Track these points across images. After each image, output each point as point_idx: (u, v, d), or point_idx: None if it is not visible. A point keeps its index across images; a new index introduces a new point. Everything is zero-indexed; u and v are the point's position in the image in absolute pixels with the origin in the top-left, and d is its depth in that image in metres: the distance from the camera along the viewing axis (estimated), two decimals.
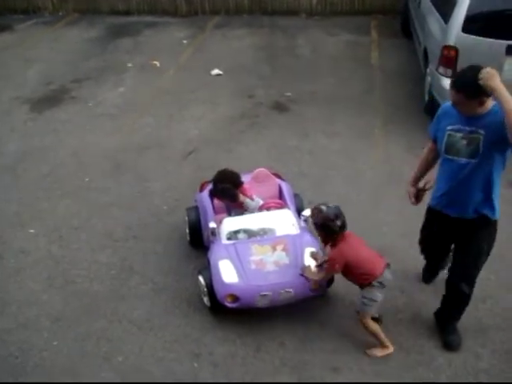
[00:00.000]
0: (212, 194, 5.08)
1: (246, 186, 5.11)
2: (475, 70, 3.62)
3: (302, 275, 4.37)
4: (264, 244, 4.59)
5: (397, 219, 5.69)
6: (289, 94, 8.24)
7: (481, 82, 3.56)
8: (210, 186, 5.17)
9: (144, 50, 10.02)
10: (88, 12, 11.81)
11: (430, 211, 4.34)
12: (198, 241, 5.18)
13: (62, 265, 5.30)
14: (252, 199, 5.07)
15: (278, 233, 4.70)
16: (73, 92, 8.61)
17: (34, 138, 7.39)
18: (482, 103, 3.70)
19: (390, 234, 5.50)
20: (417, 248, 5.22)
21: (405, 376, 4.16)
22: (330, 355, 4.34)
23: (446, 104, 3.99)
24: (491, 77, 3.55)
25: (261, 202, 5.07)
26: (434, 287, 4.88)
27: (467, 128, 3.80)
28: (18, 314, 4.78)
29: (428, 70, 7.40)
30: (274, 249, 4.56)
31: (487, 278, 4.96)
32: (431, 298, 4.78)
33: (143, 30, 10.96)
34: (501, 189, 6.17)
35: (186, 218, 5.31)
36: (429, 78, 7.33)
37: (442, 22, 7.03)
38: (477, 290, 4.82)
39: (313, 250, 4.52)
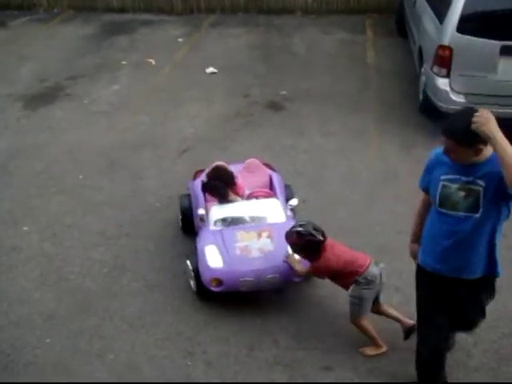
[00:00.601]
0: (203, 188, 5.14)
1: (239, 182, 5.19)
2: (468, 113, 3.15)
3: (285, 262, 4.49)
4: (250, 231, 4.73)
5: (391, 218, 5.70)
6: (284, 92, 8.24)
7: (474, 127, 3.07)
8: (202, 175, 5.31)
9: (139, 48, 9.99)
10: (83, 9, 11.74)
11: (422, 272, 3.73)
12: (190, 227, 5.25)
13: (54, 262, 5.28)
14: (242, 197, 5.12)
15: (265, 221, 4.85)
16: (67, 89, 8.58)
17: (28, 136, 7.36)
18: (478, 152, 3.21)
19: (384, 232, 5.50)
20: None
21: (397, 374, 4.17)
22: (323, 353, 4.34)
23: (438, 151, 3.49)
24: (486, 122, 3.06)
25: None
26: None
27: (464, 178, 3.29)
28: (10, 312, 4.76)
29: (423, 70, 7.41)
30: (260, 236, 4.69)
31: None
32: None
33: (138, 27, 10.93)
34: None
35: (179, 205, 5.43)
36: (423, 78, 7.34)
37: (437, 22, 7.04)
38: None
39: None
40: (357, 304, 4.23)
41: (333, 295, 4.79)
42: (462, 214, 3.32)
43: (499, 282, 4.89)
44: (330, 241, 4.29)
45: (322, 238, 4.20)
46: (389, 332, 4.45)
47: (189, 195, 5.44)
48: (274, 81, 8.60)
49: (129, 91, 8.48)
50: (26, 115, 7.90)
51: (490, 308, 4.65)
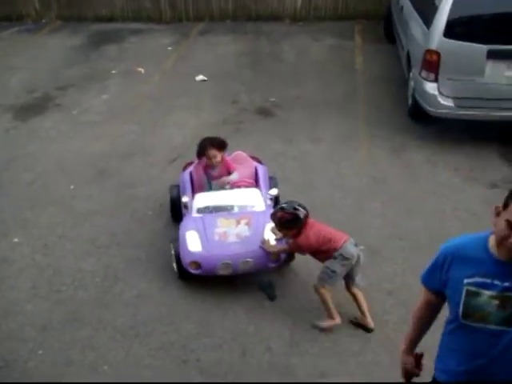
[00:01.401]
0: (198, 154, 5.42)
1: (232, 164, 5.55)
2: None
3: (261, 247, 4.77)
4: (229, 218, 5.03)
5: (382, 222, 5.73)
6: (273, 99, 8.26)
7: None
8: (191, 167, 5.64)
9: (128, 57, 9.99)
10: (72, 19, 11.73)
11: None
12: (179, 216, 5.42)
13: (46, 273, 5.26)
14: (229, 175, 5.47)
15: (245, 209, 5.14)
16: (57, 100, 8.57)
17: (17, 147, 7.33)
18: None
19: (376, 236, 5.52)
20: (405, 250, 5.28)
21: (391, 378, 4.16)
22: (316, 359, 4.35)
23: (457, 242, 2.69)
24: None
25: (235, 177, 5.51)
26: (421, 290, 4.89)
27: (502, 283, 2.50)
28: (2, 324, 4.74)
29: (411, 75, 7.45)
30: (238, 223, 4.98)
31: None
32: (418, 299, 4.80)
33: (128, 36, 10.93)
34: (482, 190, 6.29)
35: (169, 195, 5.71)
36: (412, 83, 7.38)
37: (424, 27, 7.09)
38: None
39: (273, 225, 4.76)
40: (327, 274, 4.46)
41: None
42: (495, 327, 2.56)
43: None
44: (311, 220, 4.56)
45: (305, 213, 4.49)
46: (381, 335, 4.46)
47: (178, 186, 5.70)
48: (263, 88, 8.63)
49: (118, 100, 8.47)
50: (15, 126, 7.88)
51: None
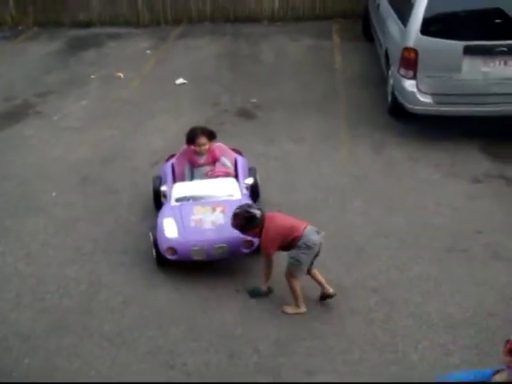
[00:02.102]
0: (188, 141, 5.73)
1: (218, 153, 5.85)
2: None
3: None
4: (205, 206, 5.27)
5: (365, 220, 5.76)
6: (254, 100, 8.27)
7: None
8: (173, 159, 5.91)
9: (107, 62, 9.93)
10: (49, 25, 11.62)
11: None
12: (161, 205, 5.54)
13: (29, 282, 5.21)
14: (213, 163, 5.78)
15: (221, 198, 5.36)
16: (36, 107, 8.49)
17: None
18: None
19: (359, 235, 5.55)
20: (389, 247, 5.32)
21: (379, 375, 4.19)
22: (304, 358, 4.35)
23: (460, 378, 2.47)
24: None
25: (229, 164, 5.83)
26: (408, 285, 4.94)
27: None
28: None
29: (390, 72, 7.50)
30: (214, 210, 5.21)
31: (455, 274, 5.05)
32: (403, 296, 4.84)
33: (106, 41, 10.87)
34: (464, 184, 6.35)
35: (152, 186, 5.89)
36: (391, 80, 7.43)
37: (401, 25, 7.14)
38: (446, 287, 4.92)
39: None
40: (295, 265, 4.61)
41: (312, 300, 4.82)
42: None
43: (477, 279, 5.00)
44: (270, 213, 4.80)
45: (258, 212, 4.67)
46: (368, 332, 4.49)
47: (160, 177, 5.92)
48: (243, 89, 8.63)
49: (98, 105, 8.42)
50: None
51: (466, 303, 4.75)
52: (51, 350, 4.52)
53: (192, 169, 5.78)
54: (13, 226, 5.94)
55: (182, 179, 5.73)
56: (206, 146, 5.70)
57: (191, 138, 5.73)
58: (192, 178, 5.73)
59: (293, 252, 4.60)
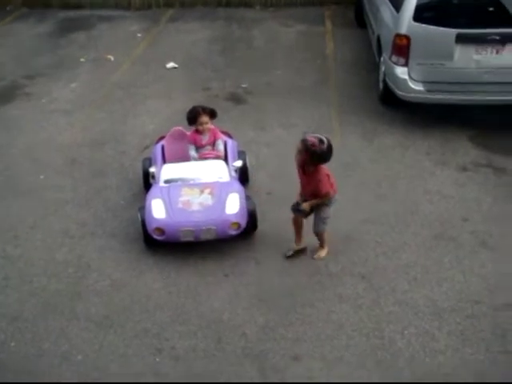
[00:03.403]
0: (190, 121, 5.76)
1: (220, 134, 5.89)
2: None
3: (298, 209, 5.01)
4: (193, 187, 5.31)
5: (356, 206, 5.76)
6: (245, 85, 8.23)
7: None
8: (163, 141, 5.95)
9: (97, 45, 9.83)
10: (38, 6, 11.48)
11: None
12: (150, 187, 5.56)
13: (17, 265, 5.19)
14: (212, 144, 5.82)
15: (209, 180, 5.39)
16: (25, 88, 8.40)
17: None
18: None
19: (350, 221, 5.55)
20: (377, 234, 5.33)
21: (365, 361, 4.22)
22: (291, 343, 4.37)
23: None
24: None
25: (221, 147, 5.82)
26: (396, 272, 4.97)
27: None
28: None
29: (382, 59, 7.48)
30: (202, 192, 5.25)
31: (442, 262, 5.08)
32: (391, 283, 4.87)
33: (96, 23, 10.75)
34: (453, 172, 6.38)
35: (141, 167, 5.93)
36: (383, 67, 7.41)
37: (394, 11, 7.12)
38: (433, 274, 4.96)
39: (236, 195, 5.20)
40: (326, 223, 5.02)
41: (300, 285, 4.84)
42: None
43: (464, 267, 5.04)
44: None
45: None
46: (355, 318, 4.52)
47: (150, 158, 5.95)
48: (235, 74, 8.58)
49: (88, 88, 8.35)
50: None
51: (452, 291, 4.79)
52: (38, 332, 4.51)
53: (197, 149, 5.77)
54: (1, 209, 5.90)
55: (174, 160, 5.71)
56: (209, 125, 5.74)
57: (193, 117, 5.73)
58: (196, 158, 5.73)
59: (324, 211, 4.95)
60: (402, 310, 4.61)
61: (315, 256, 5.13)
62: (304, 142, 4.74)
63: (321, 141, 4.70)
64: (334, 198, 4.97)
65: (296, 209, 5.03)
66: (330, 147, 4.73)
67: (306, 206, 4.96)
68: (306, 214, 5.06)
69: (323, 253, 5.15)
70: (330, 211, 5.00)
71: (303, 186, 5.02)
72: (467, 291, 4.76)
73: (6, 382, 4.20)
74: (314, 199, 4.93)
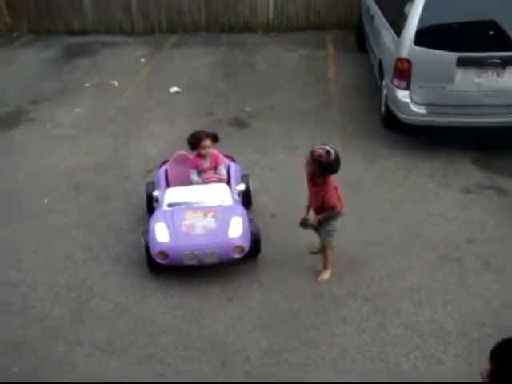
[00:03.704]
0: (193, 145, 5.77)
1: (221, 158, 5.92)
2: None
3: (306, 224, 5.05)
4: (197, 211, 5.32)
5: (358, 228, 5.76)
6: (247, 109, 8.28)
7: None
8: (166, 165, 5.98)
9: (101, 70, 9.95)
10: (43, 32, 11.65)
11: None
12: (153, 211, 5.57)
13: (20, 289, 5.18)
14: (214, 169, 5.85)
15: (213, 203, 5.41)
16: (29, 114, 8.49)
17: None
18: None
19: (352, 243, 5.55)
20: (381, 256, 5.32)
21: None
22: (295, 367, 4.33)
23: None
24: None
25: (224, 172, 5.86)
26: (400, 294, 4.94)
27: None
28: None
29: (383, 83, 7.53)
30: (206, 215, 5.26)
31: (447, 284, 5.06)
32: (395, 305, 4.84)
33: (100, 49, 10.89)
34: (456, 194, 6.37)
35: (145, 191, 5.96)
36: (384, 91, 7.46)
37: (395, 36, 7.18)
38: (438, 296, 4.93)
39: (239, 218, 5.22)
40: (332, 236, 5.05)
41: (304, 308, 4.82)
42: None
43: (469, 289, 5.00)
44: None
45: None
46: (359, 342, 4.49)
47: (154, 182, 5.98)
48: (238, 99, 8.65)
49: (92, 113, 8.42)
50: None
51: (458, 313, 4.76)
52: (41, 358, 4.48)
53: (199, 173, 5.81)
54: (4, 233, 5.92)
55: (177, 184, 5.74)
56: (211, 149, 5.77)
57: (196, 141, 5.75)
58: (199, 182, 5.76)
59: (330, 225, 4.98)
60: (407, 333, 4.57)
61: (319, 279, 5.12)
62: (312, 153, 4.80)
63: (328, 152, 4.74)
64: (341, 212, 5.01)
65: (304, 224, 5.05)
66: (337, 158, 4.77)
67: (313, 219, 5.03)
68: (316, 228, 5.11)
69: (326, 275, 5.15)
70: (337, 224, 5.03)
71: (312, 197, 5.07)
72: (472, 313, 4.73)
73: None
74: (321, 211, 4.97)
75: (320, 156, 4.74)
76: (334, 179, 4.94)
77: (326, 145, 4.84)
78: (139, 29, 11.63)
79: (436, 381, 4.19)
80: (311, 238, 5.36)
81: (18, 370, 4.39)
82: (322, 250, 5.18)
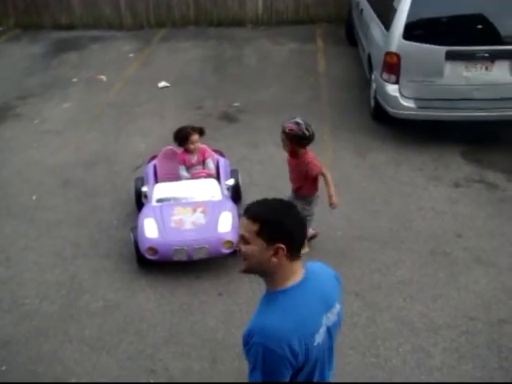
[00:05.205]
0: (181, 141, 5.74)
1: (209, 151, 5.93)
2: None
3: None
4: (186, 206, 5.30)
5: (349, 223, 5.76)
6: (237, 104, 8.25)
7: None
8: (155, 160, 5.97)
9: (90, 65, 9.87)
10: (30, 27, 11.55)
11: None
12: (142, 206, 5.57)
13: (9, 286, 5.15)
14: (202, 163, 5.84)
15: (202, 198, 5.40)
16: (17, 109, 8.41)
17: None
18: None
19: (342, 238, 5.56)
20: (372, 251, 5.32)
21: (361, 378, 4.19)
22: None
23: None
24: None
25: (211, 166, 5.85)
26: (390, 289, 4.95)
27: None
28: None
29: (373, 77, 7.52)
30: (195, 211, 5.24)
31: (437, 278, 5.07)
32: (385, 300, 4.85)
33: (88, 44, 10.81)
34: (446, 188, 6.38)
35: (134, 187, 5.91)
36: (374, 85, 7.45)
37: (384, 30, 7.17)
38: (428, 290, 4.94)
39: (229, 213, 5.20)
40: (310, 221, 5.09)
41: None
42: None
43: (459, 283, 5.02)
44: None
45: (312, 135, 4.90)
46: (350, 336, 4.49)
47: (142, 178, 5.93)
48: (227, 93, 8.61)
49: (80, 109, 8.36)
50: None
51: (448, 307, 4.77)
52: (31, 356, 4.45)
53: (187, 169, 5.79)
54: None
55: (166, 180, 5.73)
56: (199, 143, 5.76)
57: (184, 136, 5.73)
58: (188, 177, 5.75)
59: (308, 210, 5.04)
60: (398, 327, 4.58)
61: None
62: (283, 130, 4.88)
63: (297, 123, 4.83)
64: (315, 197, 5.14)
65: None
66: (307, 128, 4.84)
67: (334, 200, 5.06)
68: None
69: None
70: (314, 209, 5.15)
71: (293, 173, 5.16)
72: (462, 307, 4.75)
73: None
74: (304, 186, 5.09)
75: (291, 129, 4.83)
76: (311, 152, 5.03)
77: (295, 118, 4.91)
78: (128, 23, 11.54)
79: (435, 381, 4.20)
80: None
81: (7, 368, 4.36)
82: None
